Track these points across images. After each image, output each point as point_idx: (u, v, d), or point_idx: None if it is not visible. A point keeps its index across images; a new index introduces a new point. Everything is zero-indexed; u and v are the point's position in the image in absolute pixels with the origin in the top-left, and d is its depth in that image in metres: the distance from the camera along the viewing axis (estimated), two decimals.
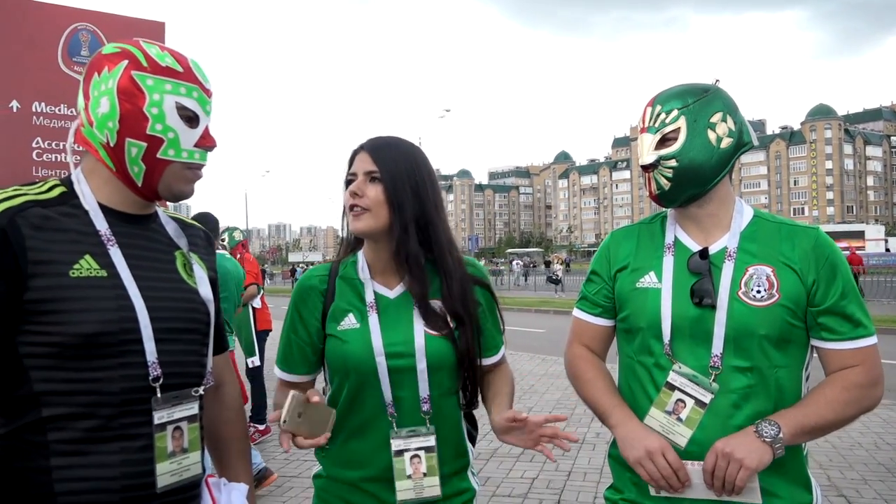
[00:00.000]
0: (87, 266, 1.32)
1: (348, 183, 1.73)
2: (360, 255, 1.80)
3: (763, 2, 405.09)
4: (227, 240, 6.57)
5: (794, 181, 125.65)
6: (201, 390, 1.47)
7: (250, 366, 6.65)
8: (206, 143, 1.45)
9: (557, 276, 32.22)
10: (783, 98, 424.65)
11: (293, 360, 1.80)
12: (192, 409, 1.43)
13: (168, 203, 1.99)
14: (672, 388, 1.65)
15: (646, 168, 1.71)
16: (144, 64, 1.40)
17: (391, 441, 1.68)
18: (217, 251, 4.50)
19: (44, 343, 1.28)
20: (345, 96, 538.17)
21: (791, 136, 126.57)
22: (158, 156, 1.39)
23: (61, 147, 4.56)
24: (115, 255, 1.37)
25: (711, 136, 1.67)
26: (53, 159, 4.53)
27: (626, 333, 1.78)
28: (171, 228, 1.55)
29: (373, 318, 1.71)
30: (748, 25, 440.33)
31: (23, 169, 5.20)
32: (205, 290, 1.53)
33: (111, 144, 1.39)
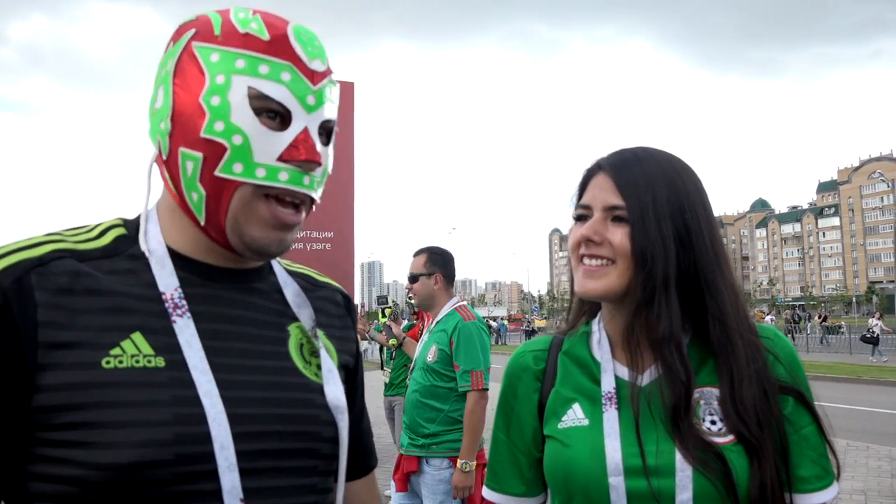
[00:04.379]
0: (132, 351, 0.83)
1: (579, 219, 1.19)
2: (597, 322, 1.26)
3: None
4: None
5: None
6: None
7: None
8: (296, 155, 0.88)
9: (874, 333, 22.49)
10: None
11: (502, 474, 1.26)
12: None
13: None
14: None
15: None
16: (216, 32, 0.90)
17: None
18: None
19: (60, 478, 0.79)
20: (527, 151, 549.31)
21: None
22: (217, 173, 0.87)
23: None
24: (184, 331, 0.87)
25: None
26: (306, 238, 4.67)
27: None
28: (291, 290, 1.02)
29: (610, 415, 1.13)
30: None
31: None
32: (333, 390, 0.96)
33: (164, 157, 0.91)
